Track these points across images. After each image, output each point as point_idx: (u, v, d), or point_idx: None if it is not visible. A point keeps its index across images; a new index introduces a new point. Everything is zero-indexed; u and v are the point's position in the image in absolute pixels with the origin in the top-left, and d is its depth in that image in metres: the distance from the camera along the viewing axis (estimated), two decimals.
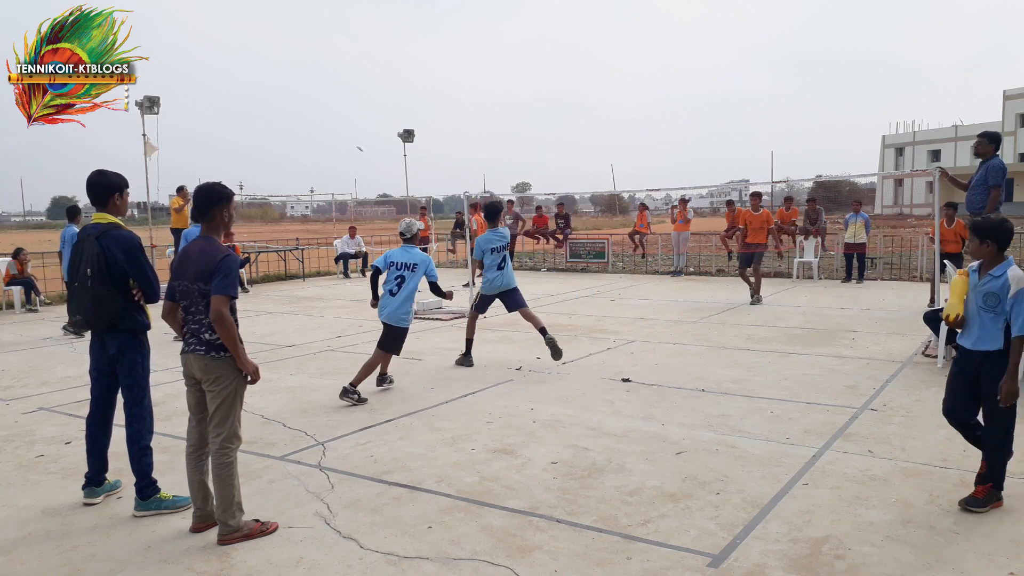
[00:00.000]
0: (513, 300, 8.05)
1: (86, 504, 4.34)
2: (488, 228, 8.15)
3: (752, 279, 12.33)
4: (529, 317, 7.96)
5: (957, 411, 4.11)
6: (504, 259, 7.98)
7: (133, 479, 4.24)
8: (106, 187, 4.24)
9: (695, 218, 20.84)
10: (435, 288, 7.20)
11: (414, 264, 6.78)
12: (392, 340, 6.71)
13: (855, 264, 15.08)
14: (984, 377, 3.96)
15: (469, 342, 8.05)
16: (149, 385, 4.36)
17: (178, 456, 4.87)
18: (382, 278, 6.93)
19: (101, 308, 4.13)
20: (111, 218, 4.24)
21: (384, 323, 6.73)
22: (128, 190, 4.37)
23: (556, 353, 7.57)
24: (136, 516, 4.17)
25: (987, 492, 3.96)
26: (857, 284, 14.71)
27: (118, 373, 4.28)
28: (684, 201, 18.50)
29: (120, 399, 4.35)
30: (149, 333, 4.38)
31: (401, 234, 7.05)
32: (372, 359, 6.69)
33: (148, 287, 4.24)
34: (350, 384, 6.46)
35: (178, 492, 4.27)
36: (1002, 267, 3.91)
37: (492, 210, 8.25)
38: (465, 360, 7.94)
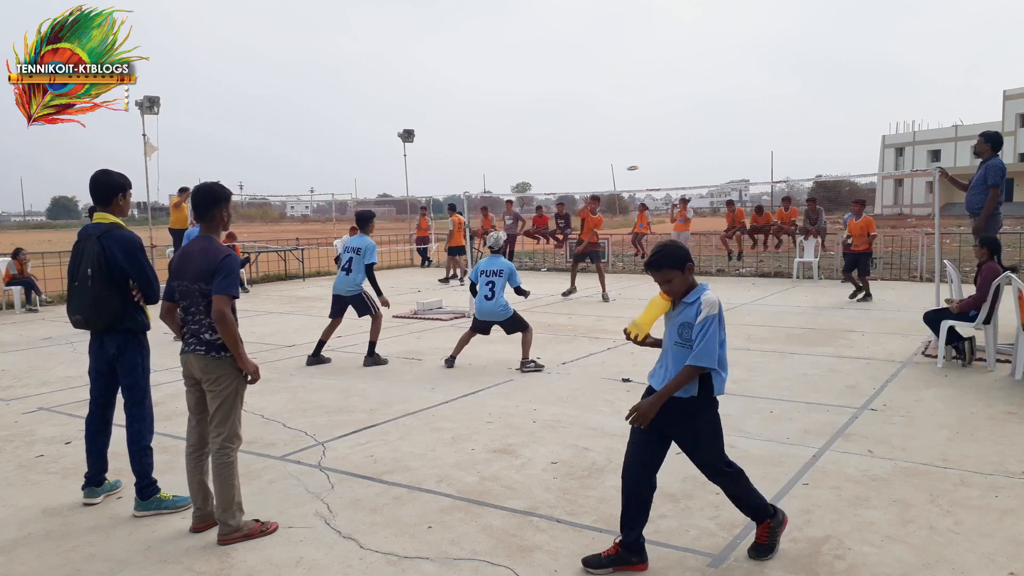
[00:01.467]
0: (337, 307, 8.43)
1: (86, 504, 4.34)
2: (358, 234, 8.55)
3: (574, 273, 13.95)
4: (329, 329, 8.42)
5: (634, 469, 3.47)
6: (350, 262, 8.27)
7: (133, 479, 4.24)
8: (111, 186, 4.23)
9: (695, 218, 20.80)
10: (518, 291, 8.09)
11: (500, 271, 7.91)
12: (516, 324, 7.84)
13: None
14: (679, 427, 3.45)
15: (321, 343, 8.29)
16: (149, 385, 4.36)
17: (178, 456, 4.87)
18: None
19: (100, 308, 4.12)
20: (113, 218, 4.23)
21: (491, 321, 7.88)
22: (131, 191, 4.37)
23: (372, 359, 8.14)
24: (136, 516, 4.17)
25: (768, 530, 3.49)
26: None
27: (118, 373, 4.28)
28: (684, 201, 18.49)
29: (120, 399, 4.35)
30: (149, 333, 4.37)
31: (490, 247, 8.23)
32: (526, 337, 7.78)
33: (148, 288, 4.23)
34: (522, 359, 7.70)
35: (178, 492, 4.27)
36: (695, 292, 3.38)
37: (360, 217, 8.64)
38: (313, 359, 8.20)
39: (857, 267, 12.48)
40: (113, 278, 4.13)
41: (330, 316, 8.41)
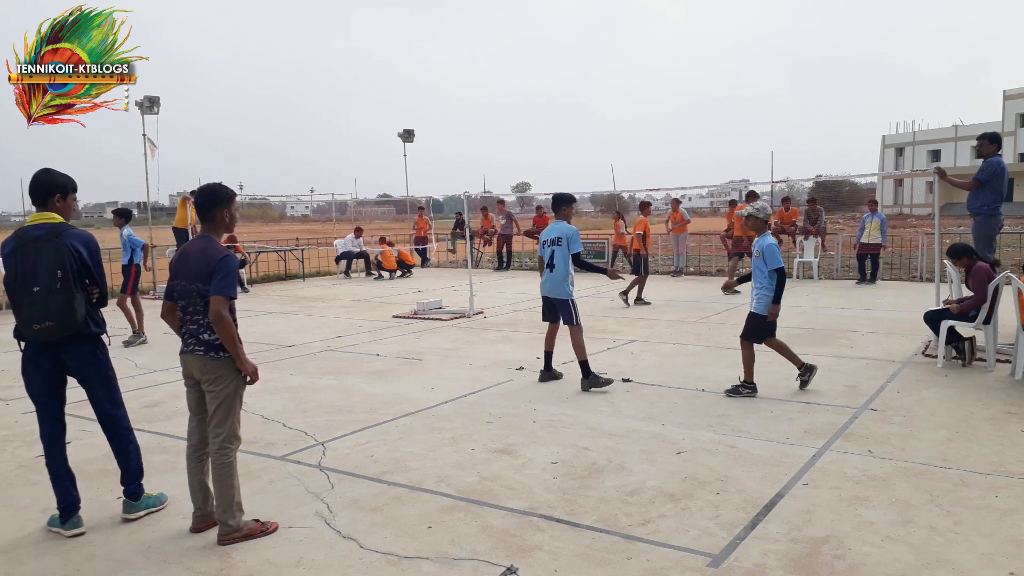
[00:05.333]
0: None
1: (75, 535, 3.99)
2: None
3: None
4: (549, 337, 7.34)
5: None
6: (552, 256, 7.13)
7: (112, 486, 4.19)
8: (48, 186, 3.99)
9: (693, 218, 20.58)
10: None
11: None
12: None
13: (867, 265, 14.93)
14: None
15: (547, 355, 7.29)
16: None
17: (178, 456, 4.87)
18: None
19: (73, 313, 3.83)
20: (59, 217, 4.00)
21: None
22: (74, 194, 4.12)
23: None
24: (128, 519, 4.12)
25: None
26: (869, 284, 14.59)
27: (89, 384, 4.08)
28: (676, 202, 18.35)
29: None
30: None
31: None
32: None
33: (105, 288, 4.08)
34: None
35: (179, 492, 4.29)
36: None
37: (555, 200, 7.32)
38: (545, 374, 7.24)
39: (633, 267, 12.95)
40: (80, 280, 3.91)
41: (543, 320, 7.35)
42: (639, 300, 12.62)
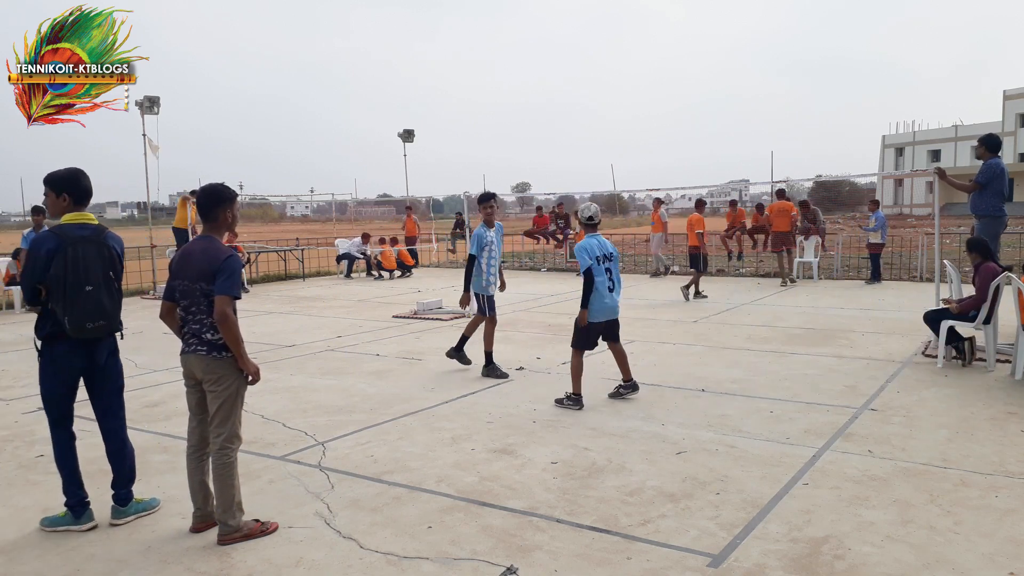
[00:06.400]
0: None
1: (88, 530, 4.05)
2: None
3: None
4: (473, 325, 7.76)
5: None
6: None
7: (102, 489, 4.15)
8: (89, 187, 4.08)
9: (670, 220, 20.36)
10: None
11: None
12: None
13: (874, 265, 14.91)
14: None
15: (462, 339, 7.76)
16: None
17: (178, 456, 4.87)
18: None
19: (119, 311, 4.02)
20: (95, 219, 4.07)
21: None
22: None
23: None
24: (116, 524, 4.07)
25: None
26: (868, 284, 14.57)
27: (105, 379, 4.10)
28: (659, 202, 18.31)
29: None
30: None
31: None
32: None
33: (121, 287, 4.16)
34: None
35: (178, 492, 4.28)
36: None
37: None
38: (455, 352, 7.75)
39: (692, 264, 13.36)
40: (119, 279, 4.08)
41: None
42: (698, 294, 12.92)
